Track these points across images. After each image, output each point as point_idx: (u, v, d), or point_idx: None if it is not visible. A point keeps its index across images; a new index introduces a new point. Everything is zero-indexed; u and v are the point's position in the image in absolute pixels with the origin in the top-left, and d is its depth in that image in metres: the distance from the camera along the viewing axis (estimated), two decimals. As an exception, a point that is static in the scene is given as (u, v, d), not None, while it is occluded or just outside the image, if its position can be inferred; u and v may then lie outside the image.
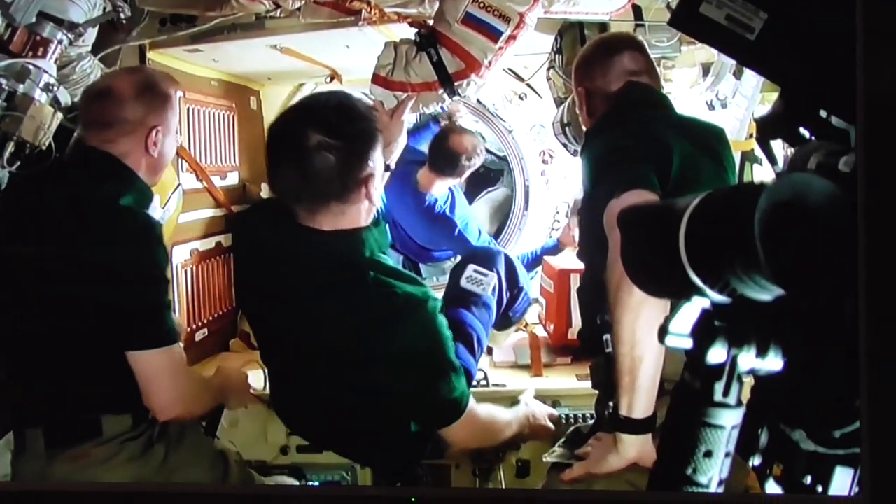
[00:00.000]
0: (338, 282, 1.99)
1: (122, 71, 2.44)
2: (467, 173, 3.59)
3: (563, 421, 2.43)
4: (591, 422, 2.22)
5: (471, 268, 2.46)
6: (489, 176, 4.64)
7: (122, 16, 2.44)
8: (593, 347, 2.19)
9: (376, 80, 2.45)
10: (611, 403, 1.98)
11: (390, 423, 2.14)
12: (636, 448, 1.98)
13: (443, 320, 2.03)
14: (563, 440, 2.20)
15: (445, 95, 2.43)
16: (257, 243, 2.13)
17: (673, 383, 1.79)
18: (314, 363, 2.10)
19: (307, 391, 2.19)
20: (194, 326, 2.87)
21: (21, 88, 2.19)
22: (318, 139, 1.87)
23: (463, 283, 2.47)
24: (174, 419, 2.07)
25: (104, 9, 2.38)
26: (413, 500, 2.20)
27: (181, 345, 2.08)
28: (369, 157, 1.95)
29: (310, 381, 2.16)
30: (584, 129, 2.29)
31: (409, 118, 2.52)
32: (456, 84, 2.39)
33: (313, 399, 2.20)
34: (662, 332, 2.14)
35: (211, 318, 2.97)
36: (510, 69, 3.23)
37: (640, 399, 1.92)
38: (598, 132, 2.20)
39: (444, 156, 3.44)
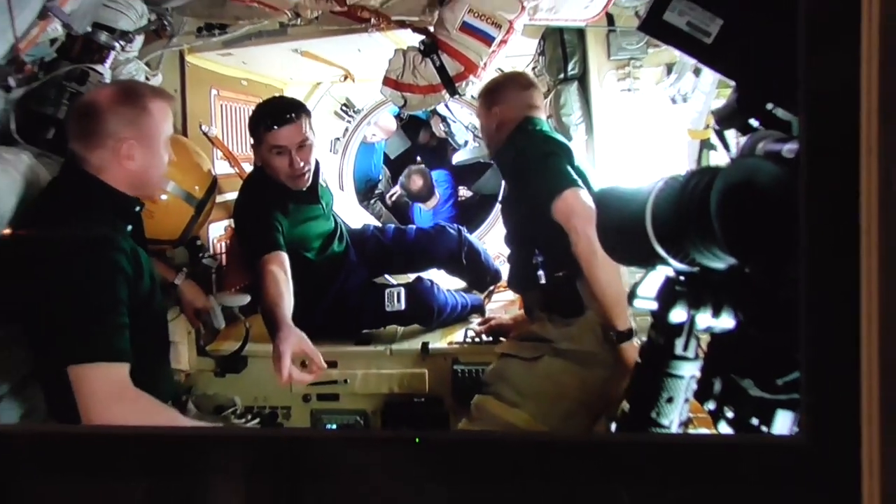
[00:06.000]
0: None
1: (104, 85, 2.27)
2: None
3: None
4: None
5: None
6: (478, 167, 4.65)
7: (165, 24, 2.46)
8: (527, 284, 2.46)
9: (387, 82, 2.48)
10: (612, 333, 2.27)
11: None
12: (634, 348, 2.24)
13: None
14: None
15: (447, 95, 2.46)
16: None
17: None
18: None
19: None
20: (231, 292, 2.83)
21: (83, 90, 2.19)
22: None
23: None
24: None
25: (150, 19, 2.39)
26: (417, 439, 2.35)
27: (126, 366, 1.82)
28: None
29: None
30: (487, 140, 2.53)
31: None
32: (456, 84, 2.43)
33: None
34: (631, 295, 2.27)
35: (242, 285, 2.91)
36: (499, 68, 3.27)
37: (626, 314, 2.24)
38: (522, 141, 2.41)
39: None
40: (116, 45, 2.31)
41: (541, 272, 2.37)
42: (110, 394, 1.84)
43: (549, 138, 2.41)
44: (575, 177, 2.27)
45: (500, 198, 2.53)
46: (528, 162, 2.34)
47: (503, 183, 2.52)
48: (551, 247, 2.30)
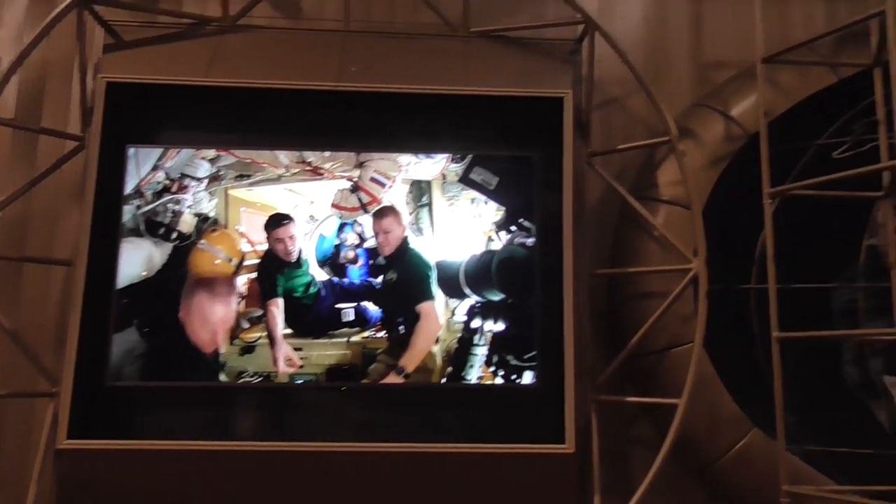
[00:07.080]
0: None
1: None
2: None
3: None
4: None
5: None
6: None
7: (220, 174, 2.58)
8: (393, 327, 2.51)
9: (333, 206, 2.64)
10: (401, 364, 2.39)
11: None
12: (398, 379, 2.37)
13: None
14: None
15: (362, 212, 2.61)
16: None
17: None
18: None
19: None
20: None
21: (177, 208, 2.37)
22: None
23: None
24: None
25: (211, 171, 2.53)
26: (343, 388, 2.47)
27: None
28: None
29: None
30: (389, 240, 2.57)
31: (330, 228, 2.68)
32: (367, 207, 2.60)
33: None
34: (452, 314, 2.49)
35: (257, 307, 2.65)
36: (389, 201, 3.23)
37: (416, 364, 2.37)
38: (411, 256, 2.52)
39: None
40: (193, 183, 2.46)
41: (402, 327, 2.49)
42: None
43: (426, 262, 2.50)
44: (434, 292, 2.40)
45: (384, 277, 2.58)
46: (415, 272, 2.46)
47: (389, 270, 2.59)
48: (410, 315, 2.44)
